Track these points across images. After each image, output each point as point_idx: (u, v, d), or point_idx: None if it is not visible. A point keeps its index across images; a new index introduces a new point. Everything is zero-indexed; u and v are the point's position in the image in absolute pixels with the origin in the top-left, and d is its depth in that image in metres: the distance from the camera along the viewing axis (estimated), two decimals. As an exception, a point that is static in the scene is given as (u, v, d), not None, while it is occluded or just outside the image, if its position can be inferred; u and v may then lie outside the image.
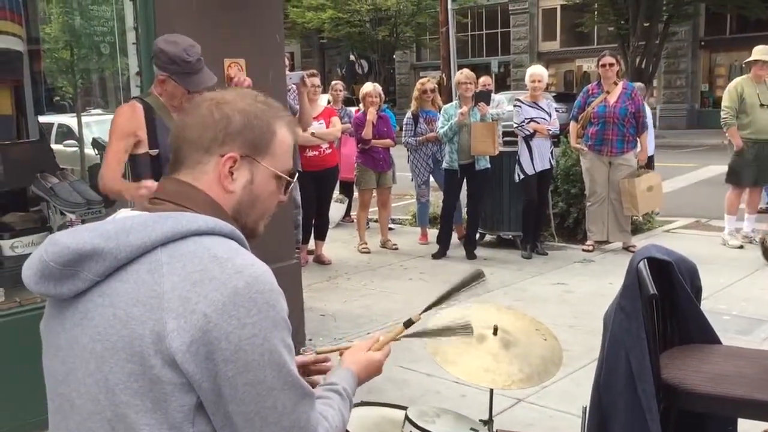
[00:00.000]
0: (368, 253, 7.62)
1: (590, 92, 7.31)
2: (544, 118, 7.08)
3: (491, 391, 2.32)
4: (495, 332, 2.16)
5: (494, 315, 2.27)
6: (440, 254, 7.30)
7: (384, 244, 7.85)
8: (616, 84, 7.16)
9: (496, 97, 8.18)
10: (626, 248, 7.33)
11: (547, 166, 7.15)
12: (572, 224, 7.92)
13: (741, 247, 7.31)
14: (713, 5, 22.91)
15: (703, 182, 12.36)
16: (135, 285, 1.21)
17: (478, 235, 7.58)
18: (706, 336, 2.65)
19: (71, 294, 1.26)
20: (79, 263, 1.23)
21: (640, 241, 7.56)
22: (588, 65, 27.43)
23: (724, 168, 7.69)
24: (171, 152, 1.40)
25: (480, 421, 2.25)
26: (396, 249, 7.75)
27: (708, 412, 2.42)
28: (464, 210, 7.82)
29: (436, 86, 8.04)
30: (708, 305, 5.54)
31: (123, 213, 1.36)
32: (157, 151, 3.23)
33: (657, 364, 2.40)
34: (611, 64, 7.09)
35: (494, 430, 2.24)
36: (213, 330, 1.16)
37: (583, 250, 7.35)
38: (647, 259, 2.45)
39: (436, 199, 8.49)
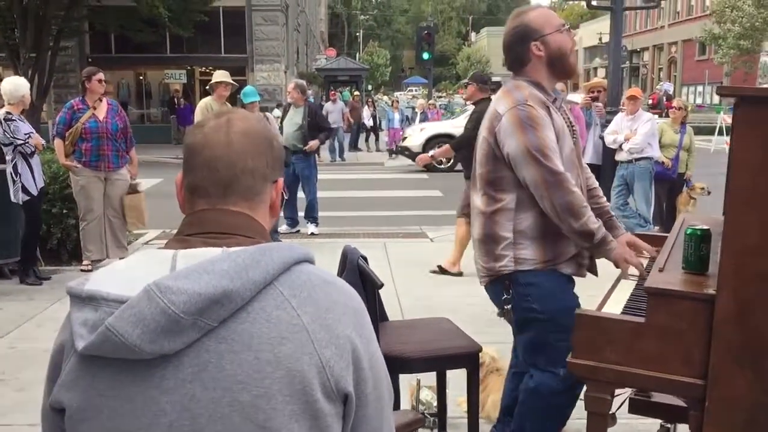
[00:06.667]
0: None
1: (75, 108, 7.06)
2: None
3: None
4: None
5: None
6: None
7: None
8: (101, 100, 7.11)
9: None
10: (126, 263, 7.36)
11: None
12: (56, 245, 7.52)
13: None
14: (98, 24, 23.55)
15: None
16: (269, 323, 1.14)
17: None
18: (383, 314, 3.23)
19: (179, 348, 1.11)
20: (206, 311, 1.10)
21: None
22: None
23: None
24: (209, 181, 1.28)
25: None
26: None
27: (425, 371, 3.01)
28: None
29: None
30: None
31: (120, 264, 1.22)
32: None
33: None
34: (100, 80, 7.01)
35: None
36: (355, 350, 1.20)
37: (82, 270, 7.08)
38: (361, 256, 2.89)
39: None
